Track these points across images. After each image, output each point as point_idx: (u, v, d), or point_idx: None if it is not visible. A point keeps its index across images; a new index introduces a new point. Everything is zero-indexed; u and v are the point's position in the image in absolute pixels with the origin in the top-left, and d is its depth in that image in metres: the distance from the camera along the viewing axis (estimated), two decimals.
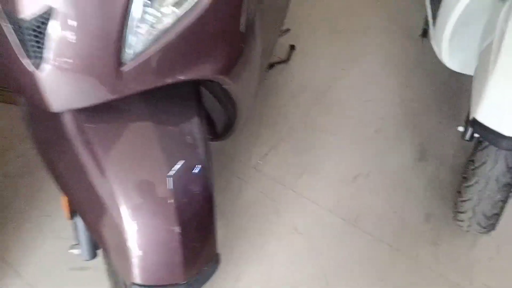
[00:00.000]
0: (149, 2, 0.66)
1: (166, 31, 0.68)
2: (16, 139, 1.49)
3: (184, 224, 0.75)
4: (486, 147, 1.07)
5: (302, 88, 1.72)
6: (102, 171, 0.73)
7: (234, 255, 1.24)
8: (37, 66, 0.64)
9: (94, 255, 0.92)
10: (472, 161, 1.12)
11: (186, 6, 0.68)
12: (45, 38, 0.63)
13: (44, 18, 0.62)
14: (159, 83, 0.72)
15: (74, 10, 0.62)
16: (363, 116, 1.63)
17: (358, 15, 2.06)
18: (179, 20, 0.68)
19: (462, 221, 1.23)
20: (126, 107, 0.77)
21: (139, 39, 0.67)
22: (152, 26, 0.67)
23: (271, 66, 1.75)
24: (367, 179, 1.44)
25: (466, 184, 1.15)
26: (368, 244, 1.29)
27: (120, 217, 0.73)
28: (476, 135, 1.06)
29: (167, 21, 0.68)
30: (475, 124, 1.00)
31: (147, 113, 0.78)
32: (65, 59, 0.64)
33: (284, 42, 1.82)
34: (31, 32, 0.63)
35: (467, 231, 1.26)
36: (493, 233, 1.26)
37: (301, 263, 1.24)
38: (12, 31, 0.64)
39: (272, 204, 1.37)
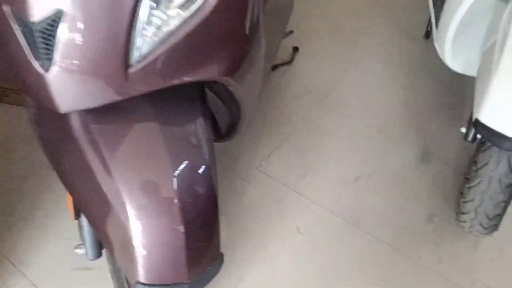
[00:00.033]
0: (155, 5, 0.67)
1: (172, 33, 0.69)
2: (21, 141, 1.50)
3: (188, 224, 0.76)
4: (488, 148, 1.08)
5: (305, 89, 1.73)
6: (108, 171, 0.74)
7: (236, 256, 1.24)
8: (46, 68, 0.65)
9: (98, 255, 0.93)
10: (475, 162, 1.12)
11: (192, 9, 0.69)
12: (55, 40, 0.64)
13: (53, 21, 0.63)
14: (165, 84, 0.72)
15: (83, 13, 0.63)
16: (366, 117, 1.64)
17: (361, 17, 2.07)
18: (185, 22, 0.69)
19: (464, 222, 1.23)
20: (132, 108, 0.78)
21: (145, 41, 0.68)
22: (158, 28, 0.68)
23: (275, 68, 1.76)
24: (369, 179, 1.45)
25: (468, 185, 1.15)
26: (369, 245, 1.29)
27: (126, 217, 0.73)
28: (478, 136, 1.06)
29: (173, 23, 0.69)
30: (478, 125, 1.00)
31: (152, 114, 0.79)
32: (74, 61, 0.65)
33: (287, 44, 1.83)
34: (40, 34, 0.63)
35: (469, 232, 1.26)
36: (495, 234, 1.26)
37: (303, 264, 1.25)
38: (22, 34, 0.65)
39: (275, 204, 1.38)
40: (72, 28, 0.63)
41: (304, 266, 1.24)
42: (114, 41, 0.65)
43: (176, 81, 0.73)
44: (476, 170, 1.11)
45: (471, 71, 1.27)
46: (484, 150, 1.09)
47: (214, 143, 0.88)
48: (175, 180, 0.76)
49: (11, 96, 1.59)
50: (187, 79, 0.74)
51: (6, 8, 0.64)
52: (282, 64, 1.79)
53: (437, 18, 1.39)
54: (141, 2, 0.65)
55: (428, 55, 1.82)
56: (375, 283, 1.22)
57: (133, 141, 0.77)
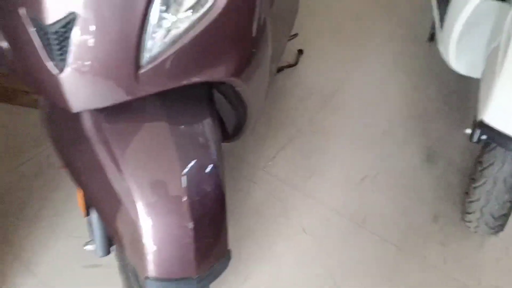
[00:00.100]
0: (165, 8, 0.69)
1: (181, 35, 0.71)
2: (31, 141, 1.52)
3: (197, 221, 0.77)
4: (493, 148, 1.08)
5: (310, 91, 1.74)
6: (118, 169, 0.76)
7: (242, 256, 1.25)
8: (60, 68, 0.67)
9: (108, 252, 0.94)
10: (480, 162, 1.13)
11: (201, 12, 0.71)
12: (68, 42, 0.66)
13: (67, 23, 0.65)
14: (174, 85, 0.74)
15: (96, 16, 0.65)
16: (370, 118, 1.65)
17: (365, 19, 2.08)
18: (194, 25, 0.71)
19: (470, 222, 1.24)
20: (141, 107, 0.80)
21: (155, 43, 0.69)
22: (168, 31, 0.70)
23: (280, 70, 1.77)
24: (375, 180, 1.46)
25: (474, 185, 1.16)
26: (375, 245, 1.30)
27: (136, 214, 0.75)
28: (483, 137, 1.07)
29: (183, 26, 0.70)
30: (483, 126, 1.01)
31: (162, 114, 0.81)
32: (86, 62, 0.67)
33: (292, 46, 1.85)
34: (55, 36, 0.65)
35: (475, 232, 1.27)
36: (501, 234, 1.26)
37: (308, 264, 1.25)
38: (37, 36, 0.67)
39: (281, 205, 1.39)
40: (85, 31, 0.65)
41: (309, 266, 1.25)
42: (125, 44, 0.67)
43: (185, 82, 0.75)
44: (481, 171, 1.12)
45: (475, 73, 1.28)
46: (489, 151, 1.09)
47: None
48: (183, 179, 0.77)
49: (21, 97, 1.61)
50: (195, 79, 0.75)
51: (22, 11, 0.66)
52: (287, 66, 1.81)
53: (441, 20, 1.40)
54: (151, 6, 0.67)
55: (432, 57, 1.83)
56: (380, 283, 1.22)
57: (143, 140, 0.79)
